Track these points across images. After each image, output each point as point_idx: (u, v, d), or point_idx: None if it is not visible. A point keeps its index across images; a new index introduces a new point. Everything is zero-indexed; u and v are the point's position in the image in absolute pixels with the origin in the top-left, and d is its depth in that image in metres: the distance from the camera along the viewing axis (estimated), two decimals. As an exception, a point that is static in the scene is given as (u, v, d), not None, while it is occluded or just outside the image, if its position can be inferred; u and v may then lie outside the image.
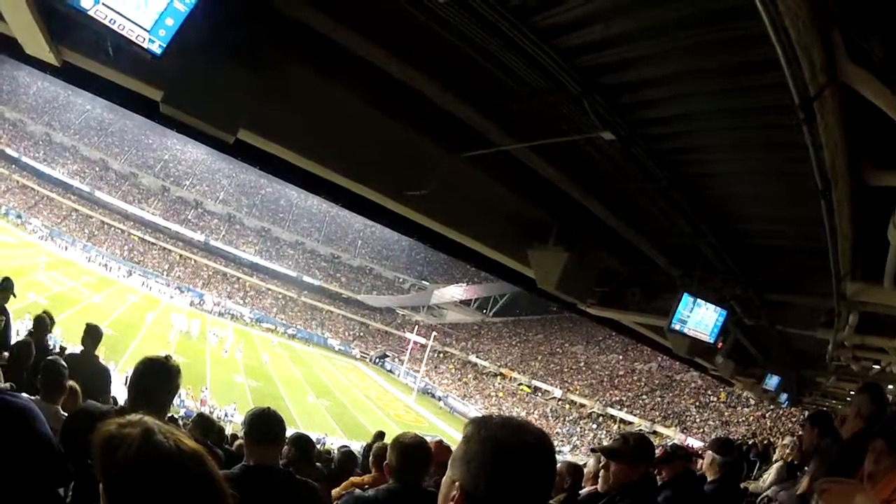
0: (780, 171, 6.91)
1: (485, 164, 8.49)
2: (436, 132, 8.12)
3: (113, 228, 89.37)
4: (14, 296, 9.42)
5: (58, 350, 9.69)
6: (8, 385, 3.76)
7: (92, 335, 8.47)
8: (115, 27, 4.79)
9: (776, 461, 9.63)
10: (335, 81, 7.37)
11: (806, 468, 5.81)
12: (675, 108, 6.31)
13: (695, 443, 42.59)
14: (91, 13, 4.69)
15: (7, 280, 9.42)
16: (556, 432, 58.41)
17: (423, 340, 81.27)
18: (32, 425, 3.50)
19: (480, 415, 1.94)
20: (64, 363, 5.50)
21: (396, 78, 6.82)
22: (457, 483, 1.76)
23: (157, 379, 3.74)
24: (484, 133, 7.63)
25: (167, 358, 3.90)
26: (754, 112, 5.85)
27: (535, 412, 65.19)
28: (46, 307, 12.01)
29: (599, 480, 4.69)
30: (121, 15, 4.78)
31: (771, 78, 4.66)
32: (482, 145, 7.92)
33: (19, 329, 15.22)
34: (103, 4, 4.70)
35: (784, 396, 22.22)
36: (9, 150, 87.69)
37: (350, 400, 56.04)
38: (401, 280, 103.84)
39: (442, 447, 5.86)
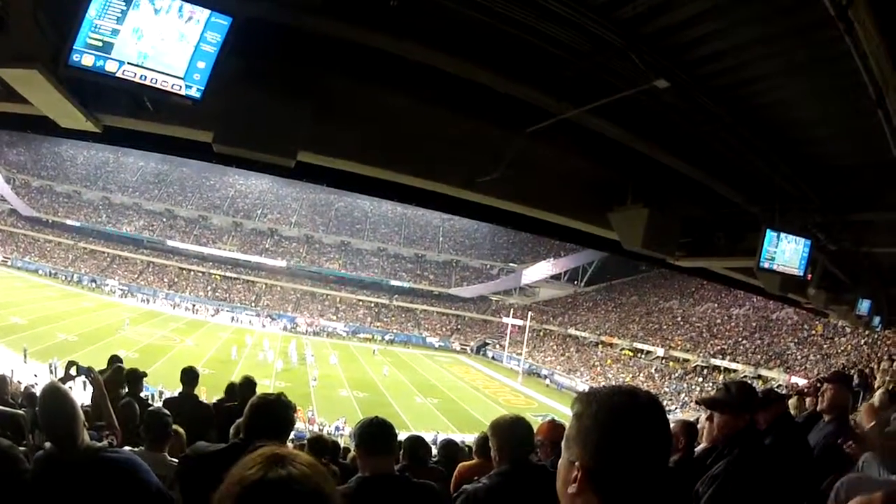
0: (835, 88, 6.70)
1: (549, 137, 8.43)
2: (495, 115, 8.18)
3: (192, 272, 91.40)
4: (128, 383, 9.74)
5: (157, 397, 9.89)
6: (105, 443, 3.83)
7: (188, 377, 8.70)
8: (147, 82, 4.83)
9: (878, 387, 9.32)
10: (382, 86, 7.49)
11: None
12: (719, 43, 6.21)
13: (799, 381, 42.11)
14: (119, 75, 4.73)
15: (114, 357, 9.76)
16: (664, 391, 57.91)
17: (520, 322, 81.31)
18: (136, 477, 3.59)
19: (586, 389, 1.88)
20: (166, 412, 5.61)
21: (446, 71, 6.85)
22: (576, 464, 1.71)
23: (272, 415, 3.83)
24: (542, 106, 7.60)
25: (280, 394, 3.99)
26: (797, 32, 5.69)
27: (641, 374, 64.88)
28: (137, 360, 12.36)
29: (704, 433, 4.60)
30: (150, 69, 4.81)
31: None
32: (542, 118, 7.88)
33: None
34: (129, 64, 4.72)
35: (877, 320, 21.62)
36: (69, 221, 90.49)
37: (457, 394, 56.17)
38: (488, 267, 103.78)
39: (555, 426, 5.82)
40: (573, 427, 1.76)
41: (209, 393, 28.07)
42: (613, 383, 58.33)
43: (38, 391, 8.39)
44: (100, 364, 9.03)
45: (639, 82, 6.50)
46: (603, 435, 1.68)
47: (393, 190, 10.45)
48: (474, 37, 6.33)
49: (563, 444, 1.81)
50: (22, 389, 12.79)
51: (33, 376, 28.64)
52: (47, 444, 3.60)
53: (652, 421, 1.73)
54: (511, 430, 4.30)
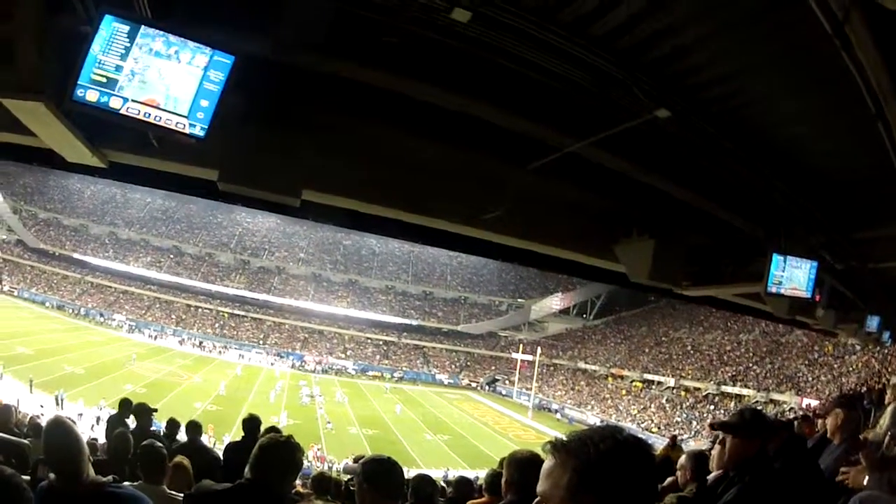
0: (835, 104, 6.66)
1: (553, 171, 8.42)
2: (497, 151, 8.14)
3: (200, 309, 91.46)
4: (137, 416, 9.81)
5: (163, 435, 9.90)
6: (110, 478, 3.82)
7: (193, 429, 8.77)
8: (151, 120, 4.80)
9: (888, 403, 9.20)
10: (382, 124, 7.44)
11: None
12: (719, 68, 6.20)
13: (812, 402, 42.23)
14: (123, 112, 4.70)
15: (126, 401, 9.92)
16: (676, 421, 57.89)
17: (529, 357, 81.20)
18: None
19: (561, 439, 1.82)
20: (160, 444, 5.61)
21: (445, 108, 6.85)
22: None
23: (279, 457, 3.79)
24: (544, 140, 7.63)
25: (289, 437, 3.96)
26: (793, 50, 5.71)
27: (652, 405, 64.69)
28: (145, 396, 12.41)
29: (715, 457, 4.58)
30: (154, 108, 4.78)
31: (798, 13, 4.62)
32: (545, 153, 7.91)
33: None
34: (134, 101, 4.70)
35: (887, 335, 21.45)
36: (76, 255, 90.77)
37: (467, 430, 55.89)
38: (496, 303, 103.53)
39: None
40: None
41: (217, 430, 28.08)
42: (625, 415, 58.40)
43: (43, 422, 8.36)
44: (106, 397, 9.08)
45: (641, 113, 6.54)
46: (622, 478, 1.68)
47: (396, 228, 10.38)
48: (474, 73, 6.35)
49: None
50: (27, 420, 12.78)
51: (39, 407, 28.77)
52: (51, 476, 3.59)
53: (645, 452, 1.75)
54: (524, 465, 4.23)
